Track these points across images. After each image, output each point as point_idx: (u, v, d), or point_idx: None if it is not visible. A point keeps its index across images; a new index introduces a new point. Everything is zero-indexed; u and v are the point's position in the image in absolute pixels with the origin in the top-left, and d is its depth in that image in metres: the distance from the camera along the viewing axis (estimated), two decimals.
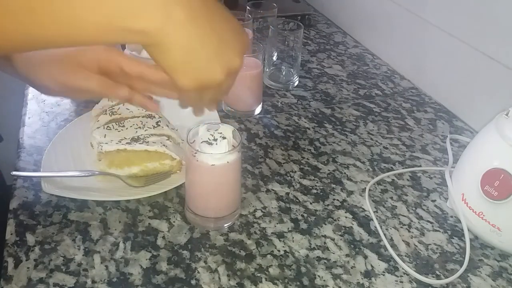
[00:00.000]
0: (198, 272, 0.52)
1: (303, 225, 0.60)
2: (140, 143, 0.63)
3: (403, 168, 0.71)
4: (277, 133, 0.77)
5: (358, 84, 0.95)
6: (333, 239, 0.58)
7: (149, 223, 0.58)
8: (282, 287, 0.51)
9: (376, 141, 0.77)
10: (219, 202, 0.57)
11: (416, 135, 0.80)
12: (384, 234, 0.59)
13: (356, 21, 1.15)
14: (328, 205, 0.63)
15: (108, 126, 0.66)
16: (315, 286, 0.52)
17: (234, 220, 0.59)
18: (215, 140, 0.54)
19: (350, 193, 0.66)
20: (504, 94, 0.74)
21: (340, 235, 0.59)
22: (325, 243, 0.57)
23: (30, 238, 0.55)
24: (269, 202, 0.63)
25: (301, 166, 0.70)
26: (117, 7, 0.36)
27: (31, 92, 0.82)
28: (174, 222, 0.59)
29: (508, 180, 0.53)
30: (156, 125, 0.67)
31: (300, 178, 0.68)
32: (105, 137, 0.65)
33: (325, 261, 0.55)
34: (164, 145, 0.63)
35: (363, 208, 0.63)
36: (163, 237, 0.56)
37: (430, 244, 0.58)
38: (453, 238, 0.60)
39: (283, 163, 0.70)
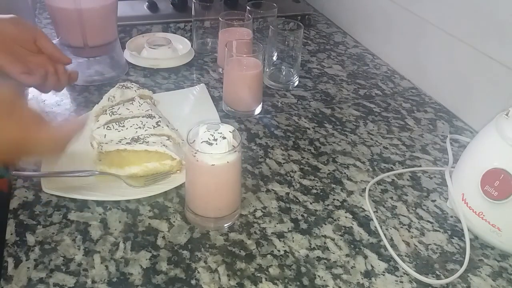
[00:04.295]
0: (198, 272, 0.52)
1: (303, 225, 0.60)
2: (140, 143, 0.63)
3: (403, 168, 0.71)
4: (277, 133, 0.77)
5: (358, 84, 0.95)
6: (333, 239, 0.58)
7: (149, 223, 0.58)
8: (282, 287, 0.51)
9: (376, 141, 0.77)
10: (219, 202, 0.57)
11: (416, 135, 0.80)
12: (384, 234, 0.59)
13: (356, 21, 1.15)
14: (328, 205, 0.63)
15: (108, 126, 0.66)
16: (315, 286, 0.52)
17: (234, 220, 0.59)
18: (215, 140, 0.54)
19: (350, 193, 0.66)
20: (504, 94, 0.75)
21: (340, 235, 0.59)
22: (325, 243, 0.57)
23: (30, 238, 0.55)
24: (269, 202, 0.63)
25: (301, 166, 0.70)
26: None
27: (31, 92, 0.82)
28: (174, 222, 0.59)
29: (508, 180, 0.53)
30: (156, 125, 0.67)
31: (300, 178, 0.68)
32: (105, 137, 0.65)
33: (325, 261, 0.55)
34: (164, 145, 0.63)
35: (363, 208, 0.63)
36: (163, 237, 0.56)
37: (430, 244, 0.58)
38: (453, 238, 0.60)
39: (283, 163, 0.70)
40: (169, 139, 0.65)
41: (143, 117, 0.68)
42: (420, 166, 0.72)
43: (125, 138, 0.64)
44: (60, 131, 0.52)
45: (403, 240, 0.59)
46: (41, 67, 0.65)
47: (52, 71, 0.66)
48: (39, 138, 0.49)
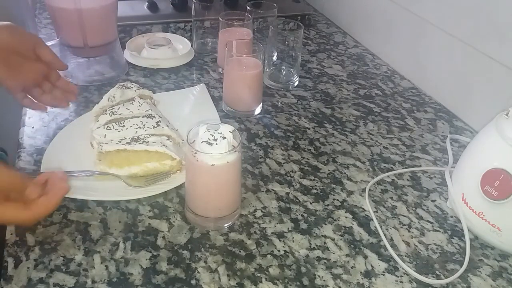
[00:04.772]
0: (198, 272, 0.52)
1: (303, 225, 0.60)
2: (140, 143, 0.63)
3: (403, 168, 0.71)
4: (277, 133, 0.77)
5: (358, 84, 0.95)
6: (333, 239, 0.58)
7: (149, 223, 0.58)
8: (282, 287, 0.51)
9: (376, 141, 0.77)
10: (219, 202, 0.57)
11: (416, 135, 0.80)
12: (384, 234, 0.59)
13: (356, 21, 1.15)
14: (328, 205, 0.63)
15: (108, 126, 0.66)
16: (315, 286, 0.52)
17: (234, 220, 0.59)
18: (215, 140, 0.54)
19: (350, 193, 0.66)
20: (504, 94, 0.75)
21: (340, 235, 0.59)
22: (325, 243, 0.57)
23: (30, 238, 0.55)
24: (269, 202, 0.63)
25: (301, 166, 0.70)
26: None
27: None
28: (174, 222, 0.59)
29: (508, 180, 0.53)
30: (156, 125, 0.67)
31: (300, 178, 0.68)
32: (105, 137, 0.65)
33: (325, 261, 0.55)
34: (164, 145, 0.63)
35: (363, 208, 0.63)
36: (163, 237, 0.56)
37: (430, 244, 0.58)
38: (453, 238, 0.60)
39: (283, 163, 0.70)
40: (169, 139, 0.65)
41: (143, 117, 0.68)
42: (420, 166, 0.72)
43: (125, 138, 0.64)
44: (50, 203, 0.51)
45: (403, 240, 0.59)
46: (39, 74, 0.67)
47: (50, 78, 0.69)
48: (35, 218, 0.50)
